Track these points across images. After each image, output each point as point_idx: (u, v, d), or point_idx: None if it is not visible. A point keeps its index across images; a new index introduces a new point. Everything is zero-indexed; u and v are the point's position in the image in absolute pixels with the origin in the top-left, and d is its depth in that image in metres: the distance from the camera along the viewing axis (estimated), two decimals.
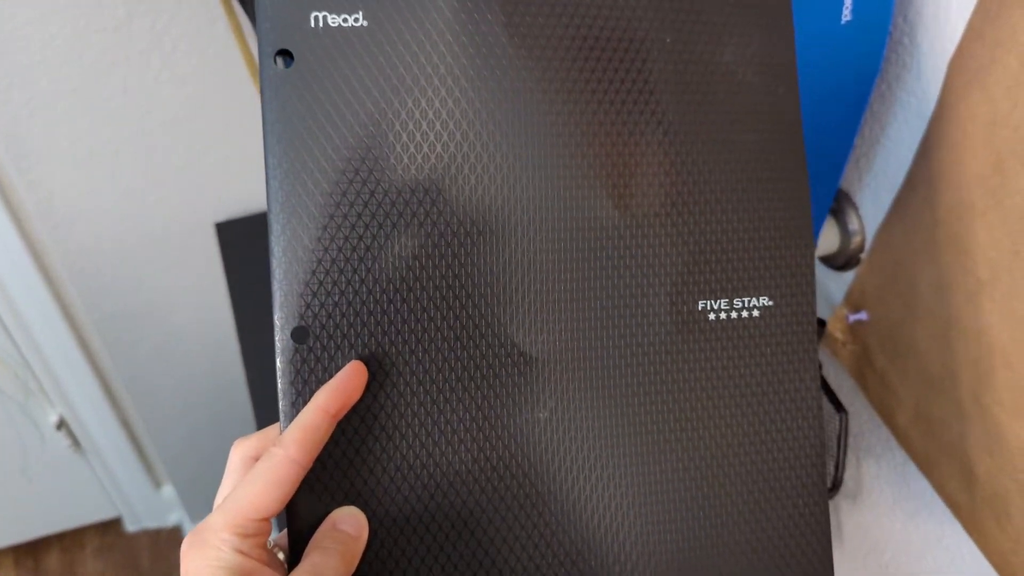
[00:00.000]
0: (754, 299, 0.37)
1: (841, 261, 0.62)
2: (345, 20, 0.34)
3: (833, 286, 0.65)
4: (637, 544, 0.35)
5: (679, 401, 0.36)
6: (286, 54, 0.33)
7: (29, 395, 1.21)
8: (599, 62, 0.36)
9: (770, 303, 0.37)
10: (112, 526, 1.56)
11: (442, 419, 0.34)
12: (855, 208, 0.60)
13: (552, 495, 0.34)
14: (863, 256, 0.60)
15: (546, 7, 0.35)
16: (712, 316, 0.36)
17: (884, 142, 0.56)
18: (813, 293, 0.38)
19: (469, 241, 0.34)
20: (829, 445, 0.62)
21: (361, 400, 0.33)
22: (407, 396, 0.34)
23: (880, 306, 0.57)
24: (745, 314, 0.37)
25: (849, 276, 0.62)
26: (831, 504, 0.71)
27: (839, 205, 0.61)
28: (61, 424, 1.28)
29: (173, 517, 1.55)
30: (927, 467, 0.56)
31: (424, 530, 0.33)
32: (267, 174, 0.33)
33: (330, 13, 0.33)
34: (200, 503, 1.46)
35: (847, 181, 0.60)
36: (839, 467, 0.60)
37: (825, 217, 0.61)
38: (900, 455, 0.61)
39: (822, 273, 0.66)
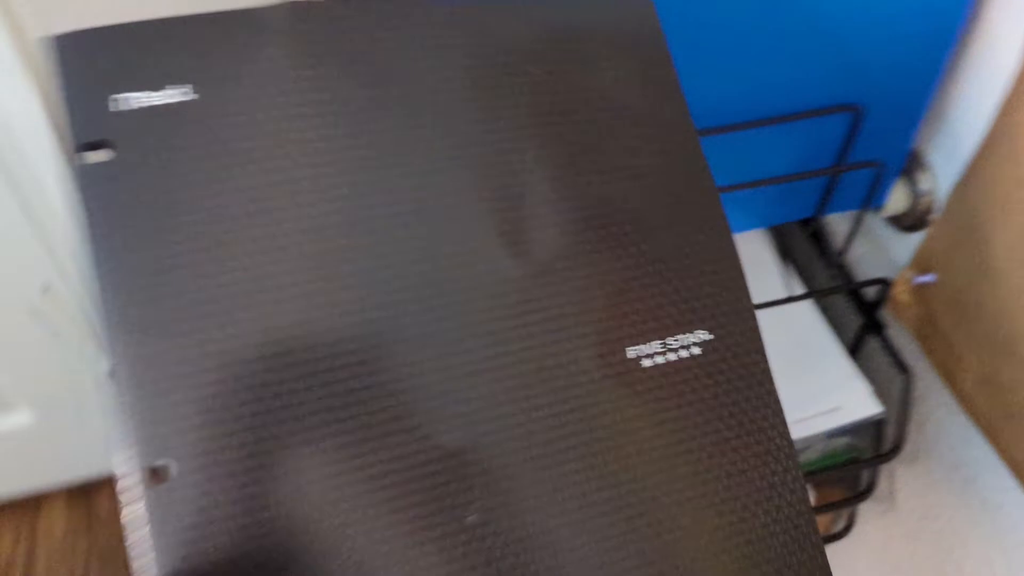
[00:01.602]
0: (690, 335, 0.32)
1: (909, 222, 0.61)
2: (171, 97, 0.30)
3: (900, 247, 0.64)
4: None
5: (631, 467, 0.31)
6: (99, 144, 0.30)
7: (84, 338, 1.24)
8: (462, 103, 0.32)
9: (709, 336, 0.32)
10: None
11: (354, 543, 0.28)
12: (927, 168, 0.59)
13: None
14: (933, 217, 0.58)
15: (393, 51, 0.32)
16: (647, 363, 0.31)
17: (961, 100, 0.54)
18: (753, 316, 0.33)
19: (353, 323, 0.30)
20: (891, 408, 0.61)
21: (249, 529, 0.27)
22: (318, 519, 0.28)
23: (948, 268, 0.56)
24: (684, 353, 0.32)
25: (916, 238, 0.61)
26: (886, 469, 0.70)
27: (910, 165, 0.60)
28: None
29: None
30: (991, 432, 0.55)
31: None
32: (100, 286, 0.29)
33: (140, 92, 0.30)
34: None
35: (919, 140, 0.59)
36: (900, 428, 0.60)
37: (897, 176, 0.59)
38: (962, 419, 0.61)
39: (888, 235, 0.65)
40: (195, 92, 0.30)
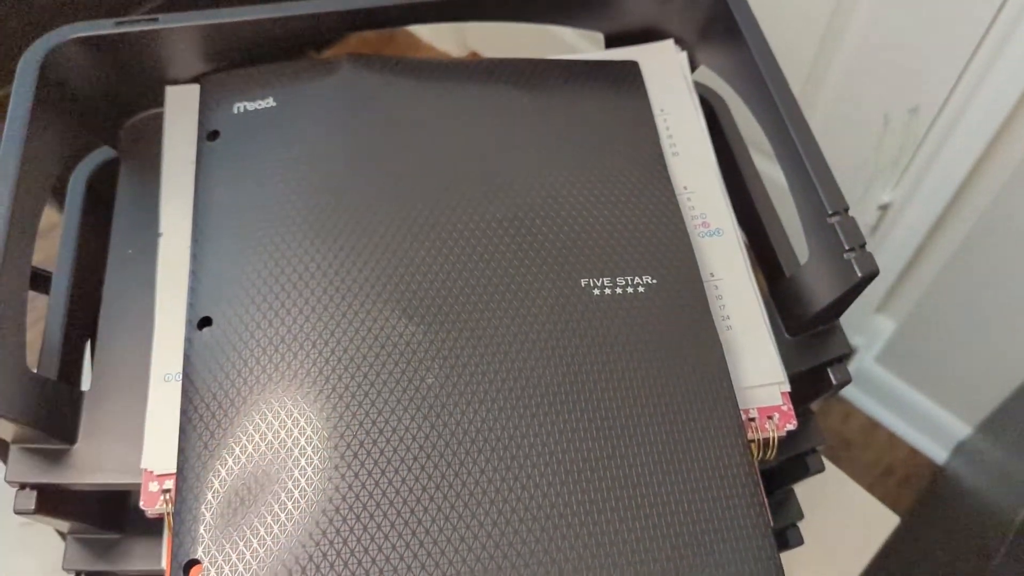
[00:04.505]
0: (637, 278, 0.38)
1: None
2: (259, 105, 0.42)
3: None
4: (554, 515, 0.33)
5: (577, 372, 0.36)
6: (215, 134, 0.41)
7: None
8: (469, 123, 0.42)
9: (654, 281, 0.38)
10: None
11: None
12: None
13: (453, 469, 0.34)
14: None
15: (415, 99, 0.43)
16: (596, 292, 0.38)
17: None
18: (695, 266, 0.39)
19: (375, 251, 0.38)
20: None
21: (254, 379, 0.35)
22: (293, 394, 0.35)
23: None
24: (630, 290, 0.38)
25: None
26: None
27: None
28: None
29: None
30: None
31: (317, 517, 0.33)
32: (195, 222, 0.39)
33: (248, 102, 0.42)
34: None
35: None
36: None
37: None
38: None
39: None
40: (274, 102, 0.42)
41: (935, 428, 1.20)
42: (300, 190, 0.39)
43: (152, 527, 0.39)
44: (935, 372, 1.15)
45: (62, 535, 0.40)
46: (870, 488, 0.58)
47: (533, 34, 1.09)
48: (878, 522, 0.56)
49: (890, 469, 1.22)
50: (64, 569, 0.39)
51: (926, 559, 0.88)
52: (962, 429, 1.17)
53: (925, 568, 0.85)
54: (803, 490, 0.46)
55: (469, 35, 1.57)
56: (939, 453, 1.22)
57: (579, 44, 1.26)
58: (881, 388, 1.22)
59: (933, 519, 1.01)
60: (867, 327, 1.20)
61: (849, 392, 1.27)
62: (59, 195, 0.43)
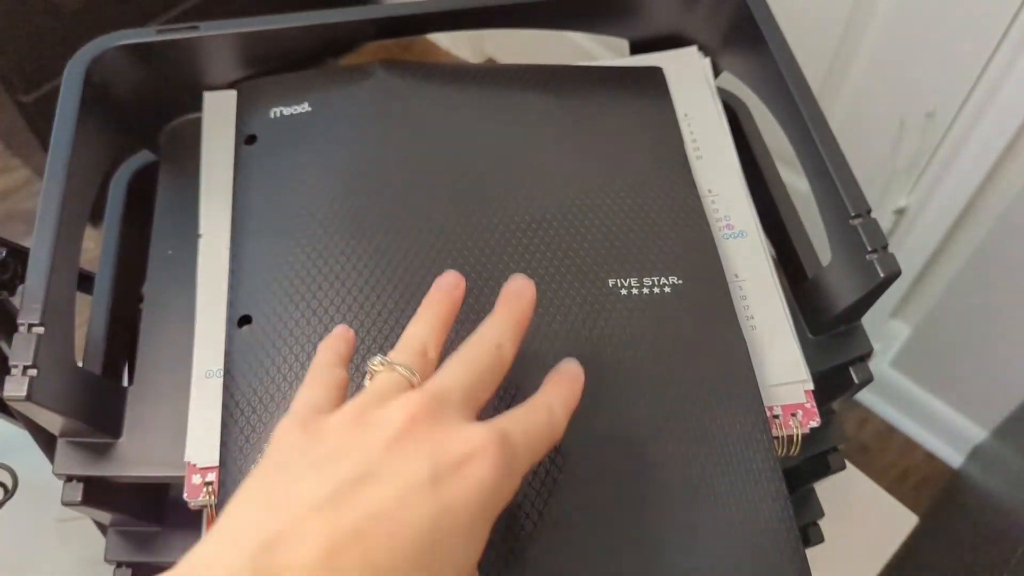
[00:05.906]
0: (663, 278, 0.39)
1: None
2: (295, 110, 0.43)
3: None
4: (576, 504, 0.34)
5: (606, 369, 0.36)
6: (253, 138, 0.43)
7: None
8: (498, 126, 0.44)
9: (679, 281, 0.39)
10: None
11: None
12: None
13: None
14: None
15: (447, 103, 0.44)
16: (624, 292, 0.39)
17: None
18: (720, 267, 0.40)
19: (409, 251, 0.39)
20: None
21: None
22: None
23: None
24: (656, 290, 0.39)
25: None
26: None
27: None
28: None
29: None
30: None
31: None
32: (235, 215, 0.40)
33: (285, 107, 0.43)
34: None
35: None
36: None
37: None
38: None
39: None
40: (309, 107, 0.43)
41: (950, 432, 1.21)
42: (335, 192, 0.40)
43: (190, 521, 0.40)
44: (950, 377, 1.15)
45: (103, 529, 0.41)
46: (886, 492, 0.59)
47: (550, 42, 1.10)
48: (897, 522, 0.56)
49: (906, 473, 1.22)
50: (106, 560, 0.40)
51: (942, 562, 0.88)
52: (977, 433, 1.17)
53: (941, 570, 0.86)
54: (823, 490, 0.47)
55: (487, 43, 1.58)
56: (955, 457, 1.22)
57: (597, 51, 1.28)
58: (897, 393, 1.23)
59: (949, 522, 1.01)
60: (882, 332, 1.21)
61: (865, 397, 1.28)
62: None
